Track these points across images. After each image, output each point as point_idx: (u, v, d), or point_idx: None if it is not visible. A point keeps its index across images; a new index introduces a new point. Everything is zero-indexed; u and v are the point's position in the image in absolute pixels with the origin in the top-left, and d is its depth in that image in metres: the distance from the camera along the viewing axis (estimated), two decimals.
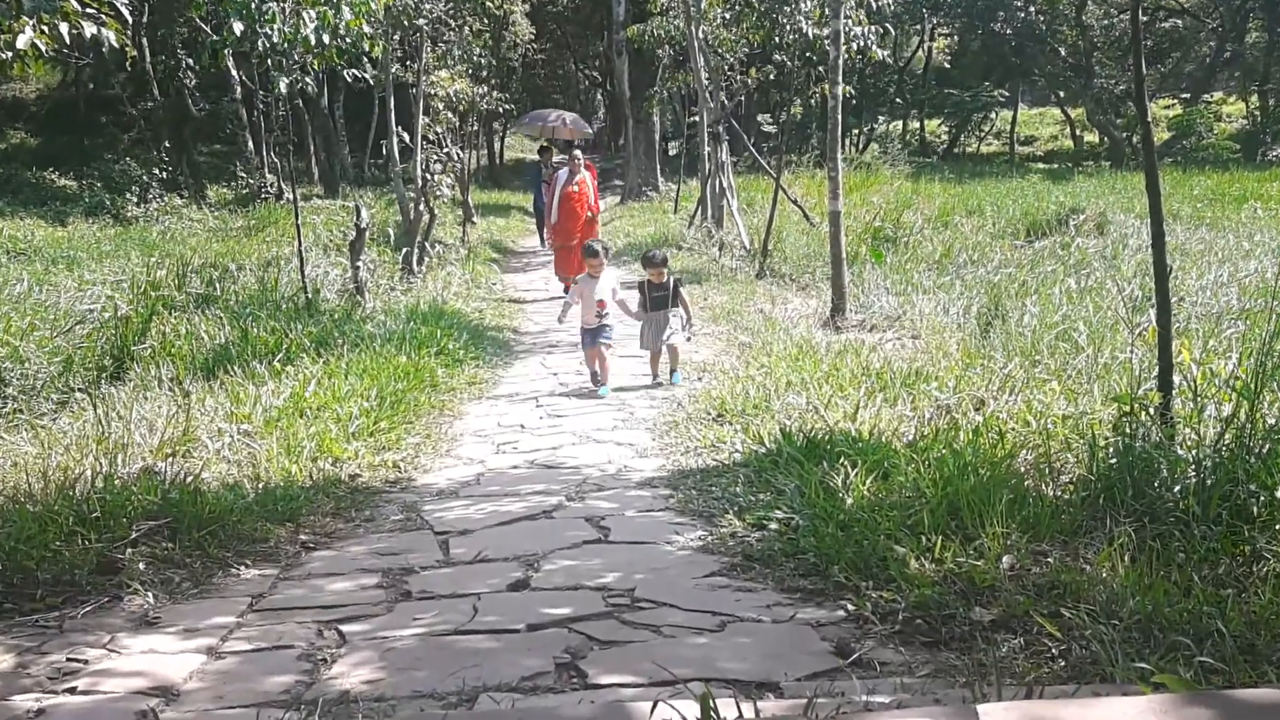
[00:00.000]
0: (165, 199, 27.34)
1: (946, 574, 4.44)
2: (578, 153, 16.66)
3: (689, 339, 10.39)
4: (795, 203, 20.56)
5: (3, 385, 8.83)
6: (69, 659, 4.17)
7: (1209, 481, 4.76)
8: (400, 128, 17.74)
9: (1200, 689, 3.14)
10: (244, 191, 29.17)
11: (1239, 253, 14.73)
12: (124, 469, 6.36)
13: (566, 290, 14.61)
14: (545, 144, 27.34)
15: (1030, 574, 4.40)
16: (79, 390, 8.95)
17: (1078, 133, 46.52)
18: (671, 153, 38.76)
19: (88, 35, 5.58)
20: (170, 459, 6.76)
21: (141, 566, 5.11)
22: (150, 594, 4.90)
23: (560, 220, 15.93)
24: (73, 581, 4.90)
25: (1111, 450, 5.34)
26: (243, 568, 5.40)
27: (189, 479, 6.17)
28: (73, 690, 3.90)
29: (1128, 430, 5.37)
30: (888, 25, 20.36)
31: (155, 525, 5.49)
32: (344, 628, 4.50)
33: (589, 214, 15.99)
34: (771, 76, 21.80)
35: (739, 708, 2.99)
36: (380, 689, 3.82)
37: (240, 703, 3.74)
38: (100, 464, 6.36)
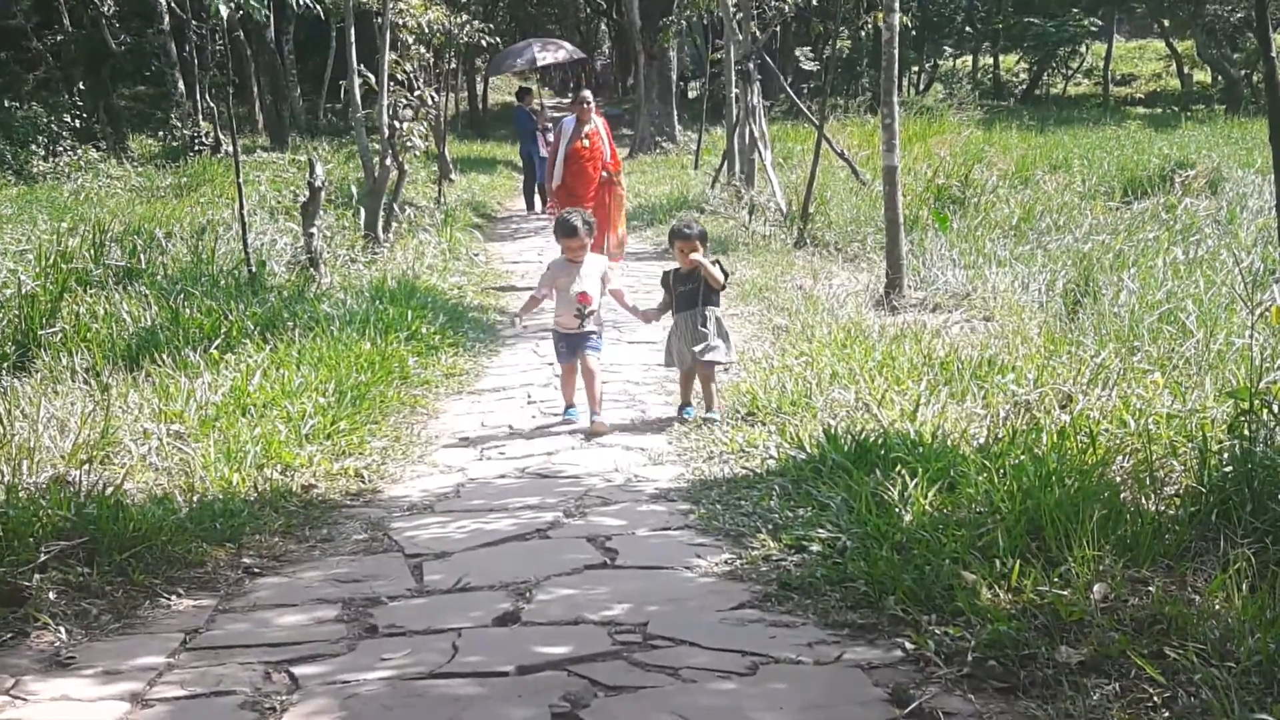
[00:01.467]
0: (79, 152, 27.35)
1: (1025, 606, 4.44)
2: (587, 94, 14.91)
3: (731, 362, 8.91)
4: (842, 156, 20.51)
5: None
6: None
7: None
8: (363, 66, 17.71)
9: None
10: (174, 143, 29.23)
11: None
12: (30, 478, 6.37)
13: None
14: (525, 85, 27.34)
15: (1127, 606, 4.39)
16: None
17: (1185, 71, 46.30)
18: (691, 96, 38.79)
19: None
20: (86, 466, 6.76)
21: (52, 596, 5.11)
22: (63, 629, 4.90)
23: (567, 184, 14.28)
24: None
25: (1227, 457, 5.33)
26: (174, 597, 5.40)
27: (109, 490, 6.18)
28: None
29: (1246, 432, 5.35)
30: None
31: (69, 546, 5.49)
32: (296, 670, 4.51)
33: (605, 174, 14.36)
34: (813, 3, 21.72)
35: None
36: None
37: None
38: (2, 472, 6.38)
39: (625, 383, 9.77)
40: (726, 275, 8.47)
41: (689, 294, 8.38)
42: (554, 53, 30.03)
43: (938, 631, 4.40)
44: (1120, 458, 5.98)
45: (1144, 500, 5.43)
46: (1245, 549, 4.58)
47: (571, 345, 8.53)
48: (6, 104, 28.84)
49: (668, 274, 8.64)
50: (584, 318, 8.47)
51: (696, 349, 8.22)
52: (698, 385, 8.50)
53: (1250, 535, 4.76)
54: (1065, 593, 4.46)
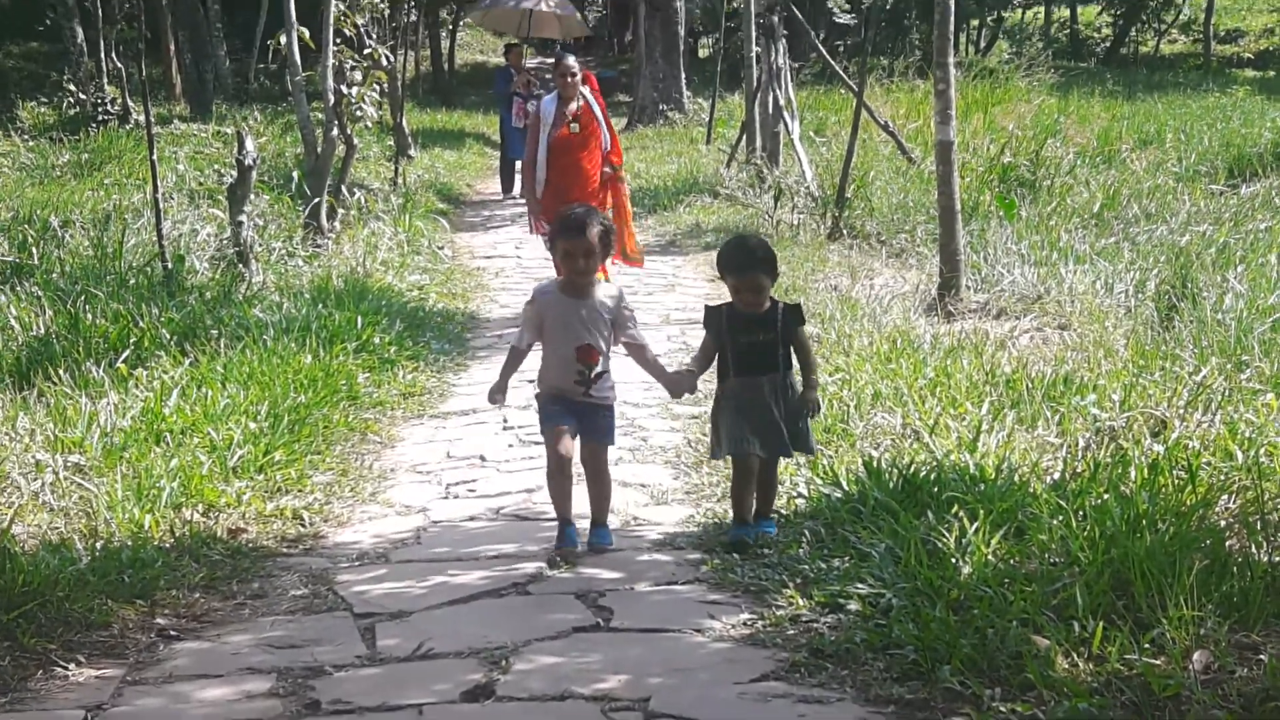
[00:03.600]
0: None
1: (1110, 678, 4.45)
2: (570, 60, 13.19)
3: (815, 449, 7.10)
4: (886, 128, 20.54)
5: None
6: None
7: None
8: (302, 22, 17.75)
9: None
10: (73, 111, 29.23)
11: None
12: None
13: None
14: (512, 41, 27.36)
15: (1234, 678, 4.41)
16: None
17: None
18: (703, 55, 38.86)
19: None
20: None
21: None
22: None
23: (555, 187, 12.54)
24: None
25: None
26: (73, 665, 5.39)
27: None
28: None
29: None
30: None
31: None
32: None
33: (607, 169, 12.82)
34: None
35: None
36: None
37: None
38: None
39: (622, 404, 9.76)
40: (802, 320, 6.59)
41: (762, 349, 6.39)
42: (553, 9, 29.95)
43: (1003, 709, 4.42)
44: (1226, 497, 5.99)
45: (1254, 549, 5.44)
46: None
47: (564, 415, 6.57)
48: None
49: (718, 311, 6.51)
50: (590, 383, 6.49)
51: (771, 444, 6.38)
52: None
53: None
54: (1158, 662, 4.48)
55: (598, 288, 6.56)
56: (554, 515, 6.51)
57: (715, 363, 6.62)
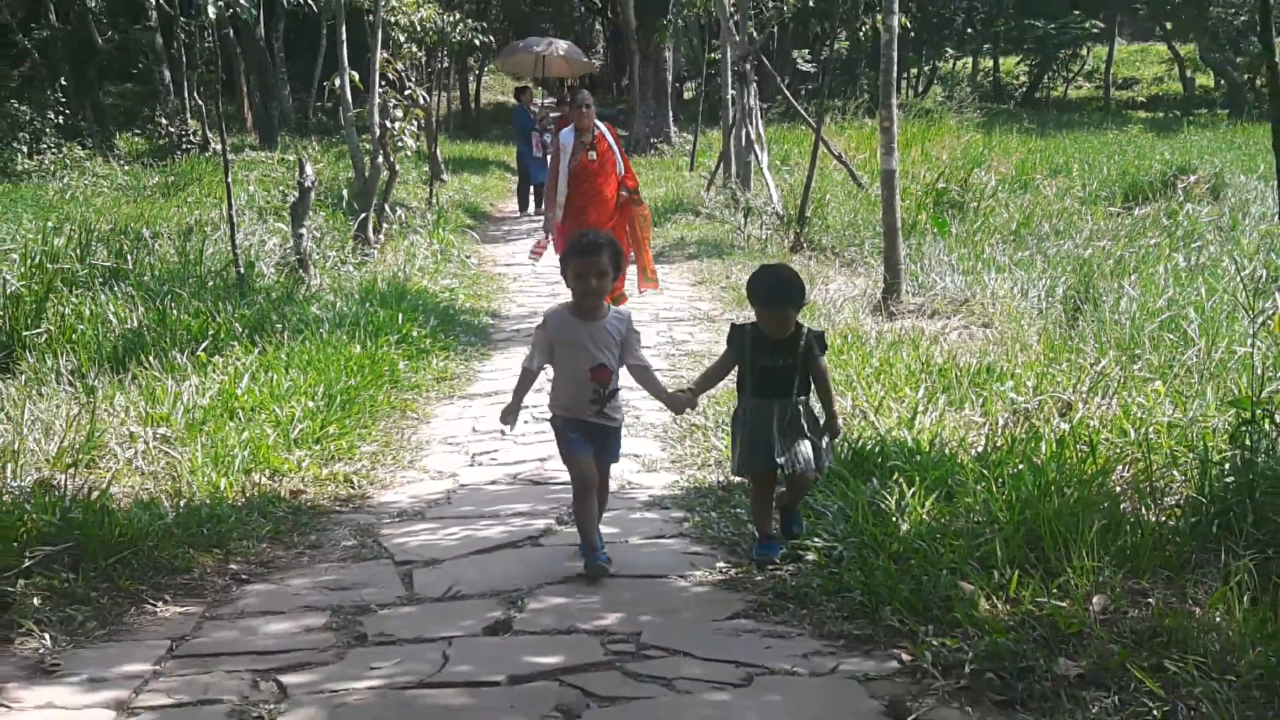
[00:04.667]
0: (64, 149, 27.34)
1: (1024, 617, 4.45)
2: (585, 95, 12.50)
3: (825, 469, 5.88)
4: (839, 159, 20.53)
5: None
6: None
7: None
8: (353, 65, 17.71)
9: None
10: (161, 141, 29.23)
11: None
12: (14, 482, 6.37)
13: None
14: (525, 83, 27.31)
15: (1126, 618, 4.41)
16: None
17: (1188, 74, 46.39)
18: (687, 96, 38.81)
19: None
20: (72, 470, 6.77)
21: (37, 602, 5.11)
22: (47, 635, 4.90)
23: (574, 212, 11.80)
24: None
25: (1228, 466, 5.34)
26: (160, 604, 5.40)
27: (94, 494, 6.18)
28: None
29: (1248, 442, 5.37)
30: None
31: (53, 551, 5.49)
32: (285, 678, 4.51)
33: (623, 192, 11.99)
34: (811, 3, 21.77)
35: None
36: None
37: None
38: None
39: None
40: (825, 348, 5.68)
41: (778, 374, 5.51)
42: (558, 50, 29.95)
43: (935, 643, 4.42)
44: (1120, 467, 6.00)
45: (1144, 511, 5.44)
46: (1246, 561, 4.59)
47: (588, 436, 5.73)
48: None
49: (743, 331, 5.62)
50: (604, 401, 5.69)
51: (794, 460, 5.48)
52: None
53: (1252, 547, 4.77)
54: (1064, 604, 4.48)
55: (607, 310, 5.71)
56: (565, 480, 6.36)
57: (726, 377, 5.84)
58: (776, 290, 5.45)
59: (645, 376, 5.85)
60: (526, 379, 5.85)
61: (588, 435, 5.67)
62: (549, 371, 6.00)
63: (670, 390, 5.97)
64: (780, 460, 5.41)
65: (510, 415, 5.80)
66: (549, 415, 5.87)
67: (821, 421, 5.56)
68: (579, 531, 5.67)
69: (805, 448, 5.45)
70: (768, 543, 5.57)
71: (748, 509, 6.05)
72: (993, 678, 4.14)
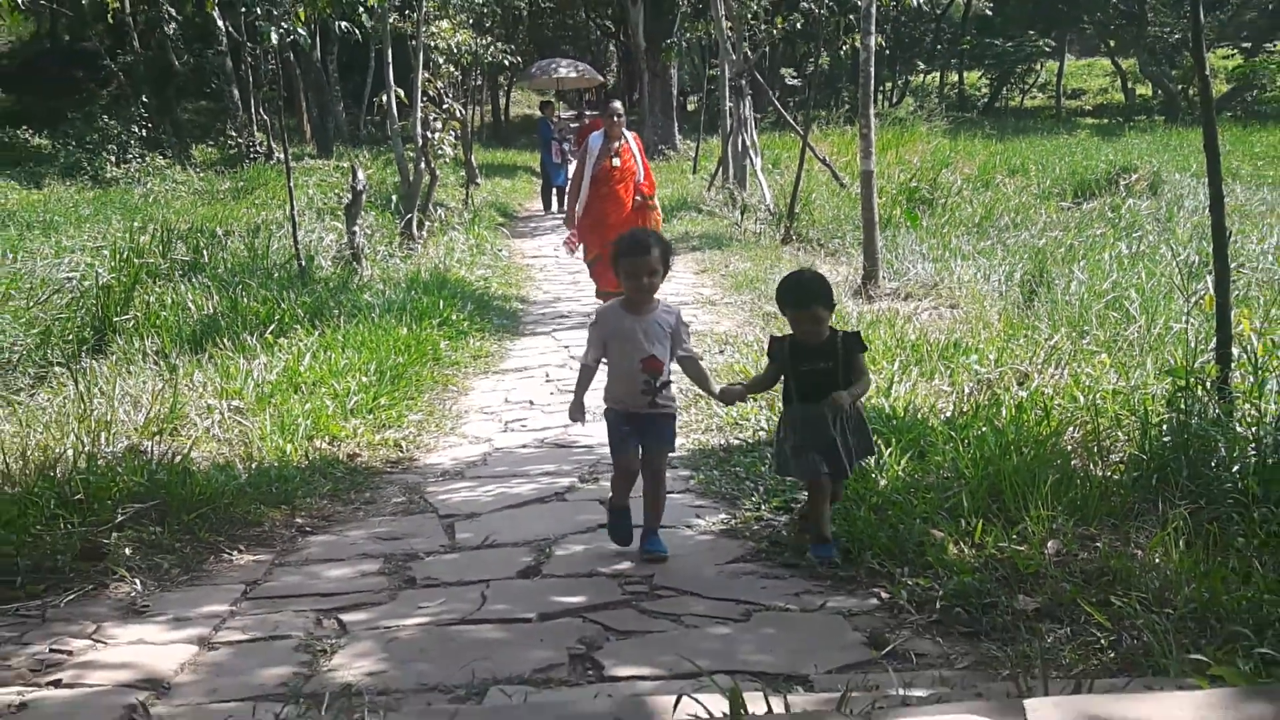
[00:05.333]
0: (147, 159, 27.40)
1: (987, 560, 4.45)
2: (616, 105, 11.90)
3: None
4: (824, 162, 20.48)
5: None
6: (52, 650, 4.20)
7: (1270, 460, 4.75)
8: (398, 83, 17.69)
9: (1260, 683, 3.14)
10: (231, 151, 29.23)
11: None
12: (108, 448, 6.38)
13: None
14: (548, 98, 27.29)
15: (1077, 560, 4.41)
16: (58, 364, 8.96)
17: (1129, 85, 46.14)
18: (690, 108, 38.69)
19: None
20: (157, 437, 6.78)
21: (128, 551, 5.14)
22: (138, 580, 4.93)
23: (595, 212, 11.27)
24: (55, 568, 4.93)
25: (1165, 427, 5.33)
26: (235, 553, 5.42)
27: (177, 458, 6.20)
28: (57, 683, 3.92)
29: (1183, 406, 5.36)
30: None
31: (142, 508, 5.52)
32: (344, 616, 4.53)
33: (639, 197, 11.35)
34: (798, 26, 21.69)
35: (768, 702, 3.00)
36: (384, 681, 3.84)
37: (235, 696, 3.77)
38: (82, 443, 6.39)
39: None
40: (863, 347, 5.14)
41: (823, 376, 4.92)
42: (572, 73, 29.97)
43: (910, 583, 4.41)
44: (1071, 429, 5.98)
45: (1092, 466, 5.44)
46: (1182, 509, 4.59)
47: (640, 428, 5.14)
48: (83, 117, 28.83)
49: (782, 342, 5.09)
50: (656, 392, 5.10)
51: (836, 465, 4.90)
52: None
53: (1186, 497, 4.77)
54: (1022, 548, 4.48)
55: (657, 304, 5.14)
56: (586, 444, 6.19)
57: (774, 385, 5.30)
58: (801, 290, 5.00)
59: (694, 368, 5.24)
60: (585, 375, 5.27)
61: (638, 429, 5.10)
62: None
63: (718, 389, 5.37)
64: (847, 465, 4.92)
65: (578, 411, 5.28)
66: (605, 407, 5.25)
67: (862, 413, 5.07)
68: (610, 510, 5.26)
69: (863, 449, 5.02)
70: (823, 544, 4.87)
71: (749, 470, 6.04)
72: (960, 612, 4.14)
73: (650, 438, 5.11)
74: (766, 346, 5.22)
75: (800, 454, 4.90)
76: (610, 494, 5.32)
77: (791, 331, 5.04)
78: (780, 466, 5.16)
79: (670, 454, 5.40)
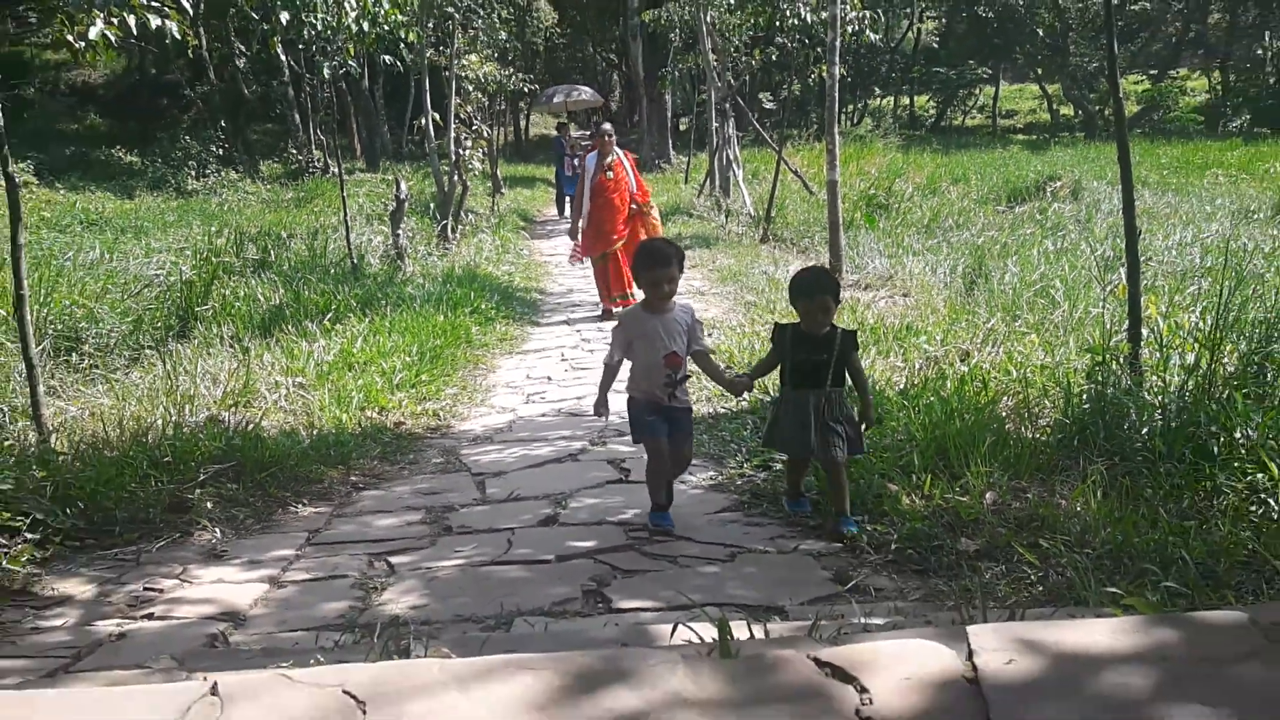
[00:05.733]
0: (222, 174, 27.36)
1: (935, 509, 4.45)
2: (607, 126, 11.74)
3: (851, 531, 4.48)
4: (796, 173, 20.42)
5: (80, 344, 8.87)
6: (145, 588, 4.22)
7: (1174, 424, 4.75)
8: (434, 108, 17.63)
9: (1166, 611, 3.14)
10: (293, 166, 29.15)
11: (1201, 215, 14.66)
12: (191, 418, 6.40)
13: (606, 316, 11.16)
14: (563, 119, 27.23)
15: (1011, 508, 4.41)
16: (148, 347, 8.96)
17: (1054, 107, 45.96)
18: (682, 128, 38.46)
19: (153, 26, 5.57)
20: (233, 409, 6.80)
21: (209, 505, 5.16)
22: (217, 529, 4.95)
23: (595, 220, 11.14)
24: (147, 519, 4.96)
25: (1085, 397, 5.33)
26: (300, 506, 5.44)
27: (250, 426, 6.22)
28: (150, 616, 3.94)
29: (1100, 378, 5.36)
30: (879, 12, 20.14)
31: (220, 468, 5.54)
32: (392, 559, 4.54)
33: (633, 206, 11.20)
34: (773, 58, 21.59)
35: (750, 629, 3.01)
36: (426, 613, 3.85)
37: (300, 626, 3.79)
38: (169, 414, 6.41)
39: None
40: (856, 346, 4.74)
41: (814, 367, 4.62)
42: (580, 95, 29.90)
43: (870, 529, 4.42)
44: (1005, 398, 5.98)
45: (1023, 430, 5.43)
46: (1099, 465, 4.60)
47: (666, 420, 4.85)
48: (168, 138, 28.79)
49: (785, 329, 4.75)
50: (676, 384, 4.83)
51: (829, 447, 4.59)
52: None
53: (1102, 455, 4.77)
54: (964, 499, 4.48)
55: (674, 304, 4.84)
56: (593, 414, 6.22)
57: (774, 369, 4.95)
58: (815, 282, 4.62)
59: (707, 362, 4.95)
60: (608, 373, 4.97)
61: (664, 417, 4.81)
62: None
63: (726, 378, 5.05)
64: (813, 446, 4.62)
65: (602, 407, 5.03)
66: (628, 397, 4.94)
67: (854, 411, 4.68)
68: (649, 491, 4.90)
69: (837, 436, 4.58)
70: (797, 501, 4.89)
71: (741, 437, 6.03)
72: (912, 553, 4.15)
73: (674, 429, 4.83)
74: (771, 333, 4.87)
75: (781, 432, 4.72)
76: (648, 492, 4.90)
77: (800, 322, 4.67)
78: (767, 439, 4.97)
79: (692, 439, 5.04)
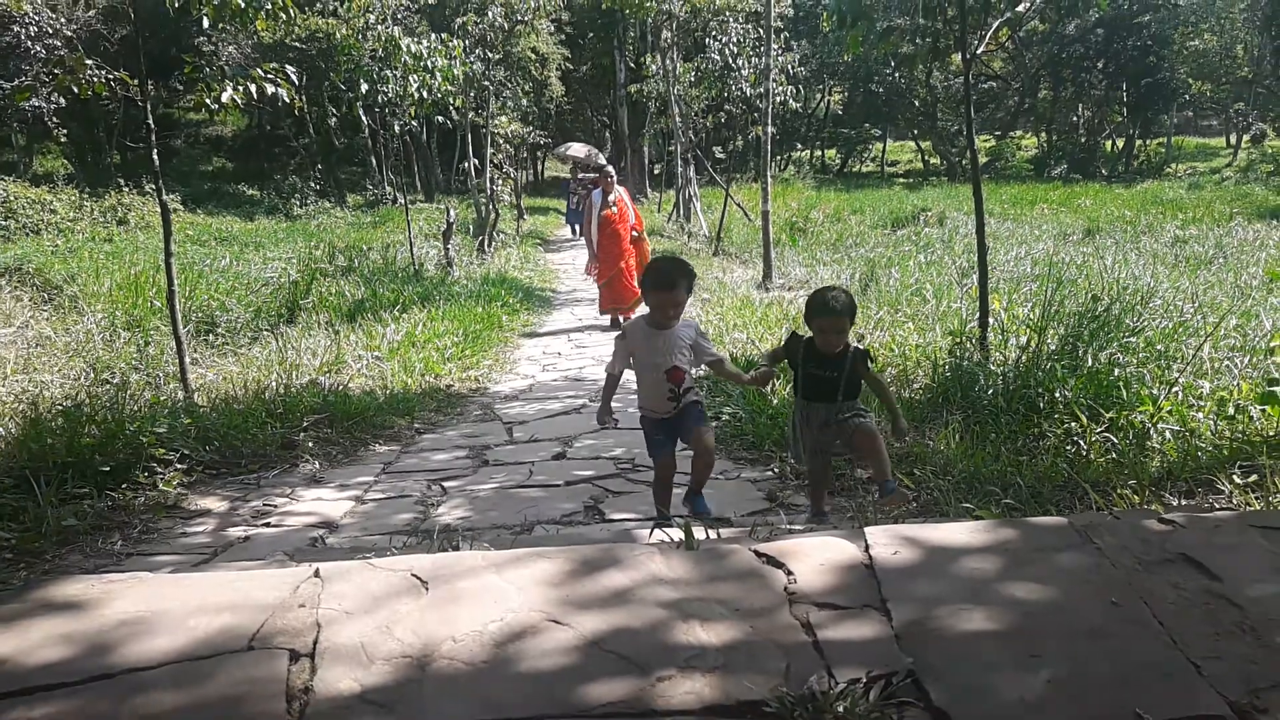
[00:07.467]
0: (319, 203, 27.03)
1: None
2: (610, 168, 10.78)
3: (894, 489, 3.46)
4: (739, 206, 20.34)
5: (214, 327, 8.82)
6: (263, 505, 4.21)
7: (1011, 387, 4.78)
8: (474, 155, 17.47)
9: (1005, 518, 3.17)
10: (371, 198, 28.82)
11: (1032, 237, 14.69)
12: (297, 381, 6.36)
13: (614, 325, 9.82)
14: (571, 165, 27.07)
15: (893, 447, 4.43)
16: (265, 330, 8.92)
17: (926, 158, 45.96)
18: (656, 172, 38.28)
19: (269, 93, 5.50)
20: (327, 374, 6.76)
21: (311, 445, 5.14)
22: (316, 462, 4.93)
23: (604, 246, 10.11)
24: (264, 454, 4.94)
25: (947, 367, 5.36)
26: (377, 445, 5.42)
27: (340, 388, 6.20)
28: (268, 524, 3.93)
29: (958, 354, 5.39)
30: (799, 87, 20.08)
31: (318, 417, 5.51)
32: (445, 484, 4.53)
33: (634, 234, 10.31)
34: (723, 120, 21.47)
35: (706, 533, 3.03)
36: (470, 522, 3.86)
37: (378, 531, 3.78)
38: (281, 378, 6.37)
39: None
40: (871, 361, 3.59)
41: (824, 382, 3.53)
42: (572, 151, 29.72)
43: (791, 462, 4.44)
44: (890, 368, 6.01)
45: (903, 391, 5.46)
46: (957, 417, 4.62)
47: (670, 429, 3.76)
48: (279, 176, 28.45)
49: (798, 340, 3.62)
50: (680, 399, 3.71)
51: (797, 458, 3.80)
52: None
53: (960, 409, 4.79)
54: None
55: (677, 321, 3.70)
56: (597, 375, 6.06)
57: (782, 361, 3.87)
58: (832, 304, 3.44)
59: (722, 369, 3.85)
60: (610, 382, 3.85)
61: (670, 433, 3.74)
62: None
63: (749, 374, 3.93)
64: (796, 459, 3.79)
65: (605, 415, 3.88)
66: (640, 415, 3.87)
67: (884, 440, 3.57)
68: (654, 499, 3.81)
69: (853, 417, 3.50)
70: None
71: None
72: None
73: (686, 423, 3.70)
74: (784, 338, 3.80)
75: (797, 442, 3.70)
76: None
77: (814, 338, 3.54)
78: (794, 454, 3.78)
79: (709, 427, 3.78)
